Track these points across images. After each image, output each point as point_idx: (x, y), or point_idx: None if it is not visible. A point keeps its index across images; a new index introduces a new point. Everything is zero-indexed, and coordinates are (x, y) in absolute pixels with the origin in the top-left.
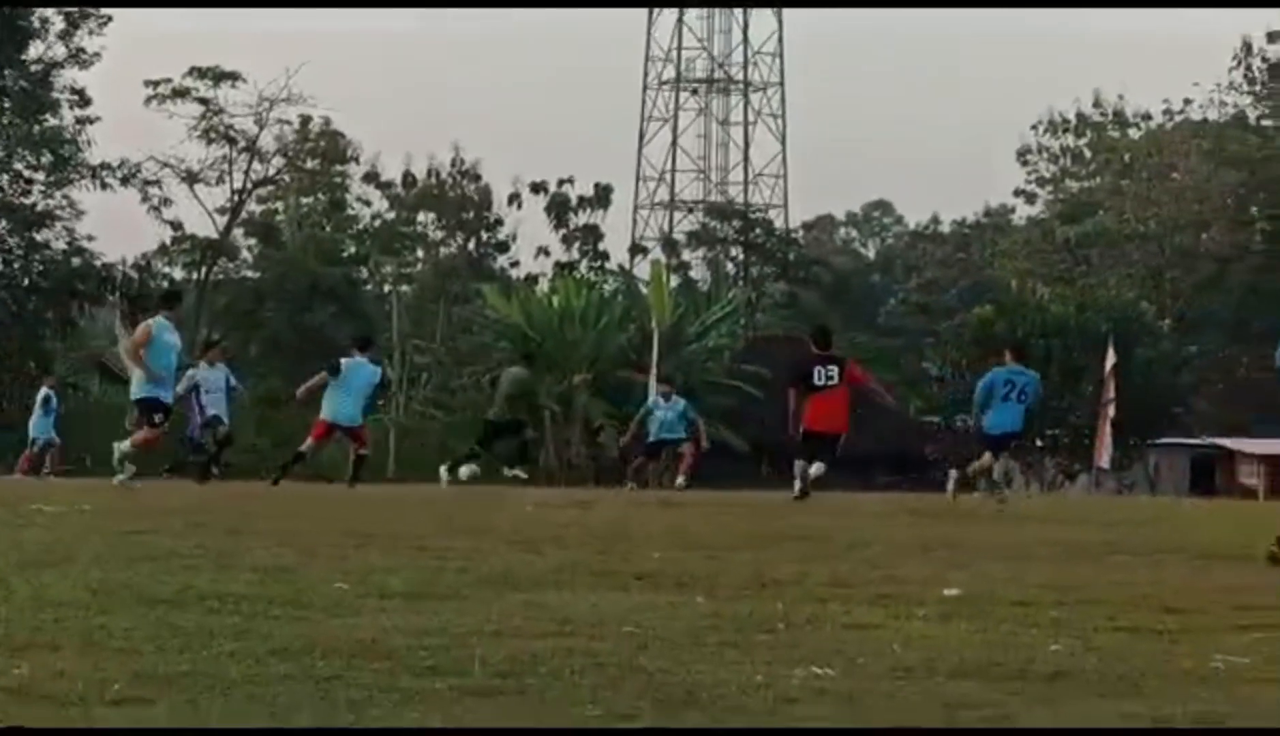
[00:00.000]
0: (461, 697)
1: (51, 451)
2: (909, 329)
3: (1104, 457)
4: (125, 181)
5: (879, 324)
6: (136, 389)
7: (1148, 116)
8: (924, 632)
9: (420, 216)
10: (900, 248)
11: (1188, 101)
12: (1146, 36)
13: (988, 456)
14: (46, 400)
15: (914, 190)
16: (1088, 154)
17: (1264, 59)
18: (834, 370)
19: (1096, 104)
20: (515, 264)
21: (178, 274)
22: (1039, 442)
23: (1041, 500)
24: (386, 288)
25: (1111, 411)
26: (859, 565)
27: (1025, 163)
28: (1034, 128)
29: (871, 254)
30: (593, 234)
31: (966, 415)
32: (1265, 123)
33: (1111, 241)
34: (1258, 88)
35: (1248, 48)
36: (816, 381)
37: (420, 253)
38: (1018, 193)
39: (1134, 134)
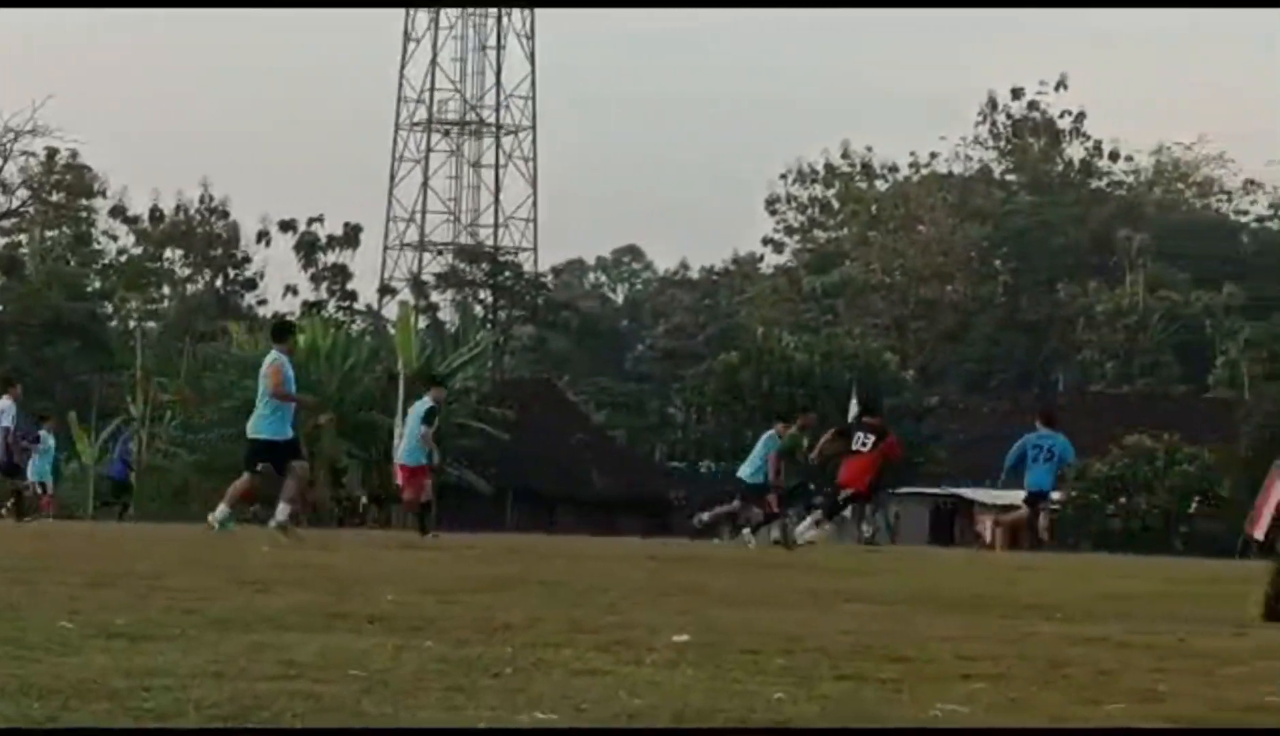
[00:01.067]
0: None
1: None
2: (656, 374)
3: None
4: None
5: (626, 368)
6: None
7: (894, 168)
8: (652, 678)
9: (167, 252)
10: (649, 293)
11: (934, 154)
12: (895, 89)
13: (1024, 510)
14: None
15: (664, 236)
16: (835, 204)
17: (1008, 114)
18: (871, 439)
19: (845, 155)
20: (263, 302)
21: None
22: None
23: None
24: (131, 323)
25: None
26: (593, 610)
27: (774, 212)
28: (783, 177)
29: (620, 299)
30: (341, 273)
31: (711, 461)
32: (1009, 177)
33: (857, 291)
34: (1002, 143)
35: (993, 103)
36: (854, 445)
37: (166, 289)
38: (766, 241)
39: (881, 185)
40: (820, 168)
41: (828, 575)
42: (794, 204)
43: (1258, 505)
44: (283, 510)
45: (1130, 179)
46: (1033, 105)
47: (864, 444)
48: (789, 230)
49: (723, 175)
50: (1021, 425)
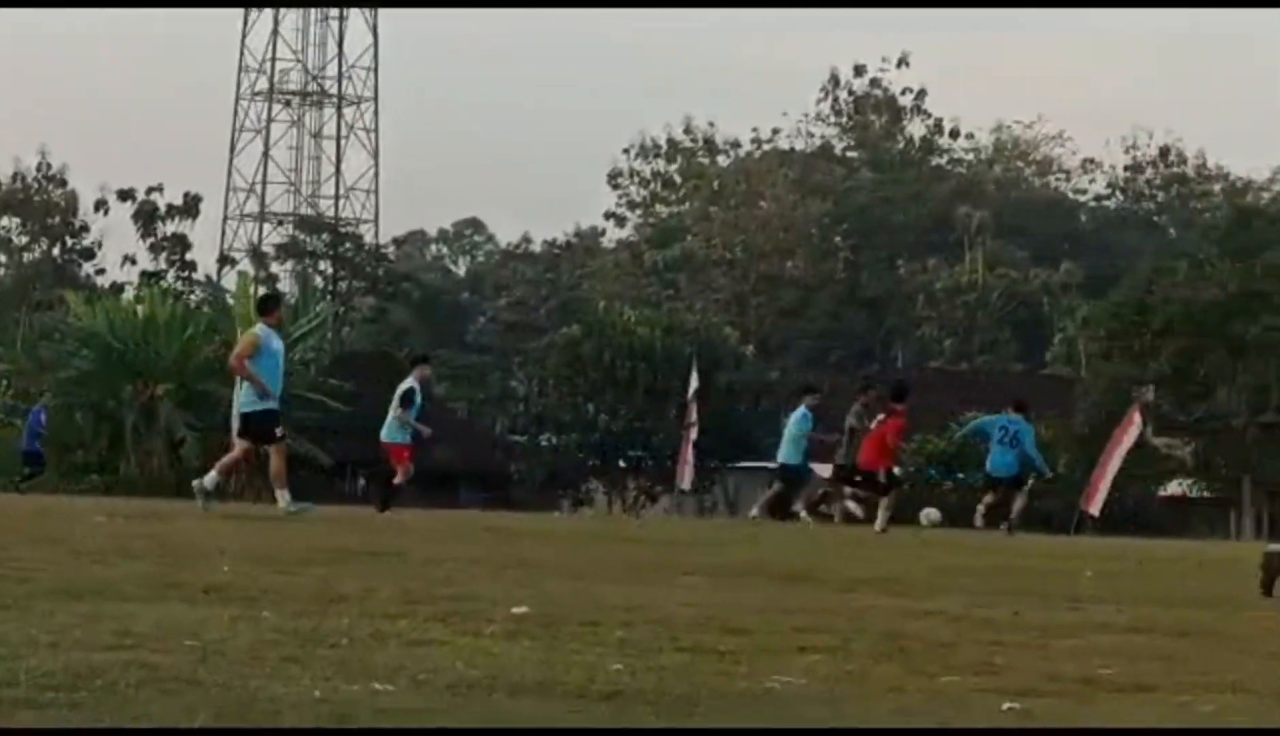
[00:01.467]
0: (12, 710)
1: None
2: (497, 347)
3: (686, 479)
4: None
5: (468, 341)
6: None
7: (737, 144)
8: (489, 650)
9: (4, 220)
10: (491, 266)
11: (776, 131)
12: (737, 64)
13: (991, 495)
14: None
15: (506, 209)
16: (678, 179)
17: (850, 91)
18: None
19: (687, 130)
20: (101, 271)
21: None
22: (622, 463)
23: (626, 521)
24: None
25: (694, 434)
26: (431, 582)
27: (616, 186)
28: (625, 152)
29: (462, 271)
30: (180, 244)
31: (552, 434)
32: (850, 154)
33: (698, 266)
34: (844, 120)
35: (835, 80)
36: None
37: (3, 257)
38: (608, 215)
39: (723, 161)
40: (663, 143)
41: (668, 548)
42: (636, 179)
43: (1093, 481)
44: (212, 477)
45: (970, 157)
46: (874, 82)
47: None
48: (631, 205)
49: (565, 149)
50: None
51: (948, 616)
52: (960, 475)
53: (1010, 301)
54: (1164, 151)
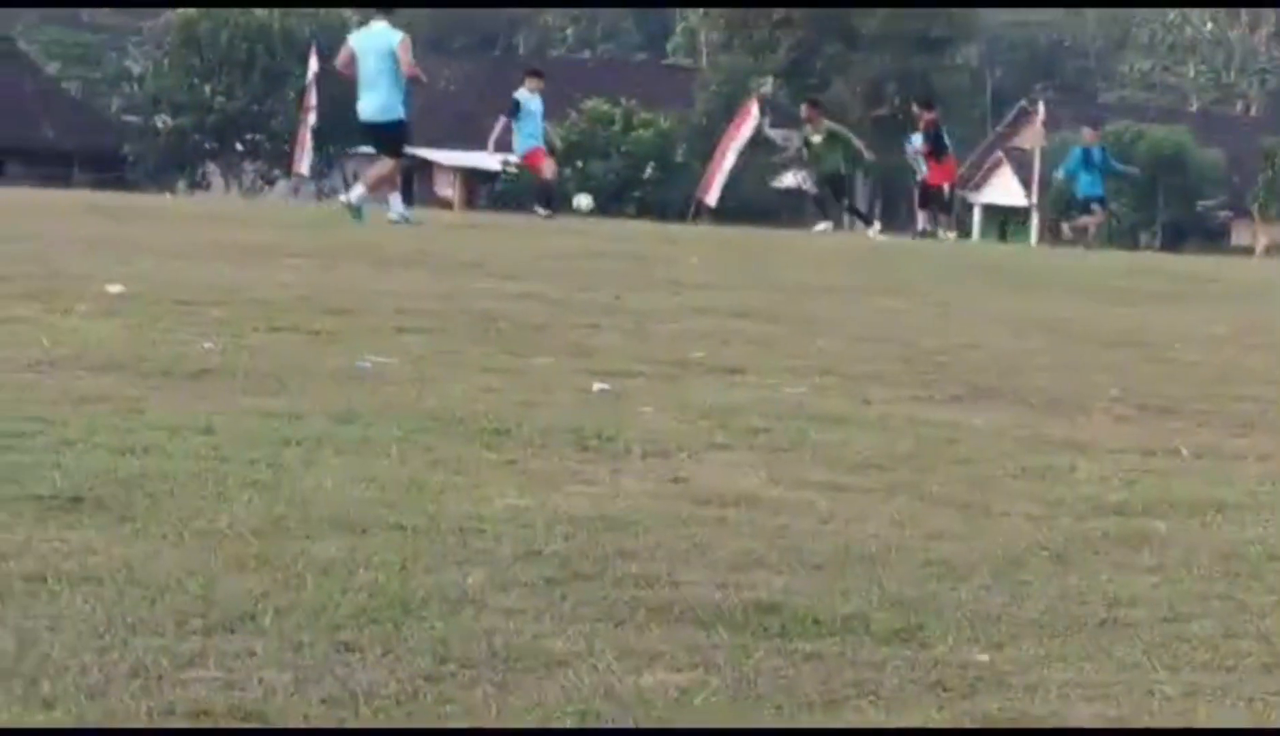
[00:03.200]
0: None
1: None
2: (112, 26)
3: (304, 164)
4: None
5: (83, 19)
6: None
7: None
8: (78, 327)
9: None
10: None
11: None
12: None
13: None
14: None
15: None
16: None
17: None
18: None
19: None
20: None
21: None
22: (239, 147)
23: (238, 204)
24: None
25: (312, 118)
26: (20, 259)
27: None
28: None
29: None
30: None
31: (167, 116)
32: None
33: None
34: None
35: None
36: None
37: None
38: None
39: None
40: None
41: (273, 229)
42: None
43: (709, 171)
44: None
45: None
46: None
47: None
48: None
49: None
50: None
51: (547, 300)
52: (580, 163)
53: None
54: None
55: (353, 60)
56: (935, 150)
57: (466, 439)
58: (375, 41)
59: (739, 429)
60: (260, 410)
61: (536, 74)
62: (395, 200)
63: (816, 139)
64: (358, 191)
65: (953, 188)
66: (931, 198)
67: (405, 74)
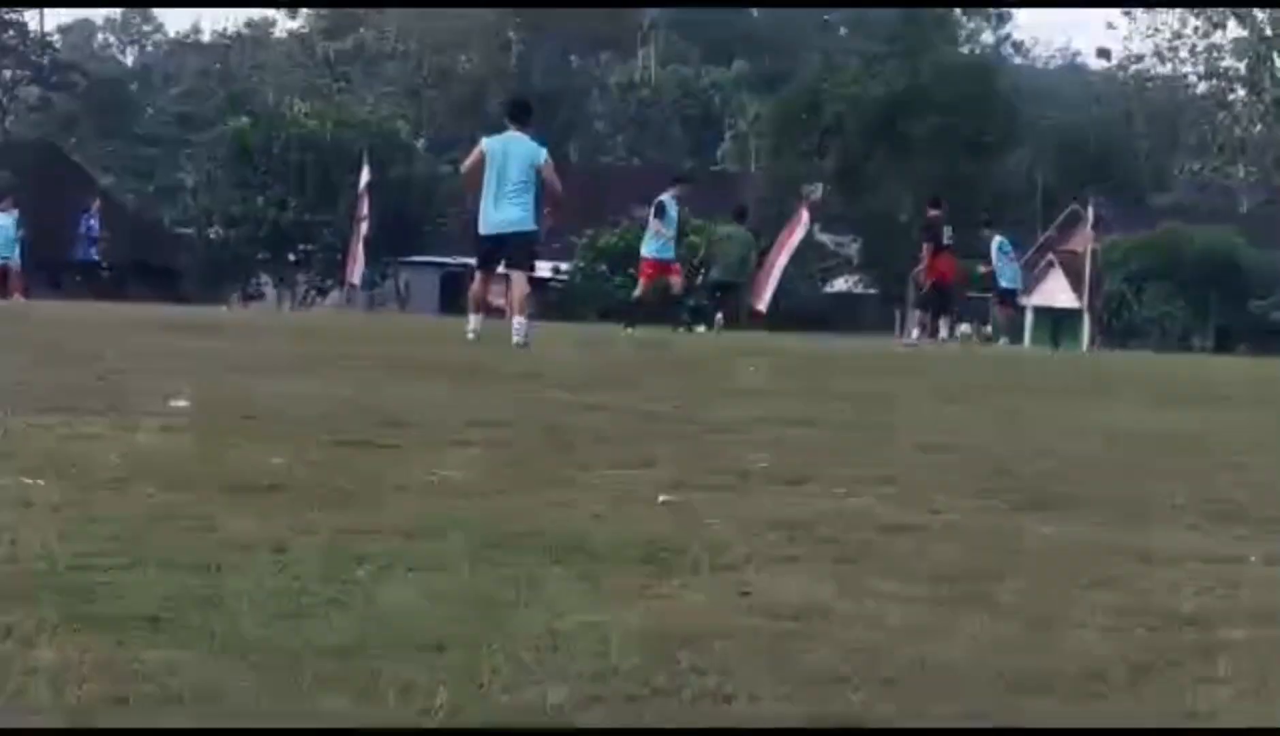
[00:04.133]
0: None
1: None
2: (166, 138)
3: (356, 274)
4: None
5: (137, 133)
6: None
7: None
8: (146, 443)
9: None
10: (160, 57)
11: None
12: None
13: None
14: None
15: None
16: None
17: None
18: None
19: None
20: None
21: None
22: (291, 257)
23: (297, 315)
24: None
25: (364, 229)
26: (88, 376)
27: None
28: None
29: (130, 61)
30: None
31: (220, 228)
32: None
33: (371, 59)
34: None
35: None
36: (945, 240)
37: None
38: (280, 5)
39: None
40: None
41: (341, 341)
42: None
43: (760, 278)
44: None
45: None
46: None
47: (951, 238)
48: None
49: None
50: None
51: (611, 410)
52: (631, 270)
53: (682, 98)
54: None
55: (483, 163)
56: (935, 247)
57: (537, 553)
58: (520, 148)
59: (806, 539)
60: (331, 526)
61: (682, 180)
62: (519, 322)
63: None
64: (520, 323)
65: (949, 284)
66: (928, 298)
67: (550, 193)
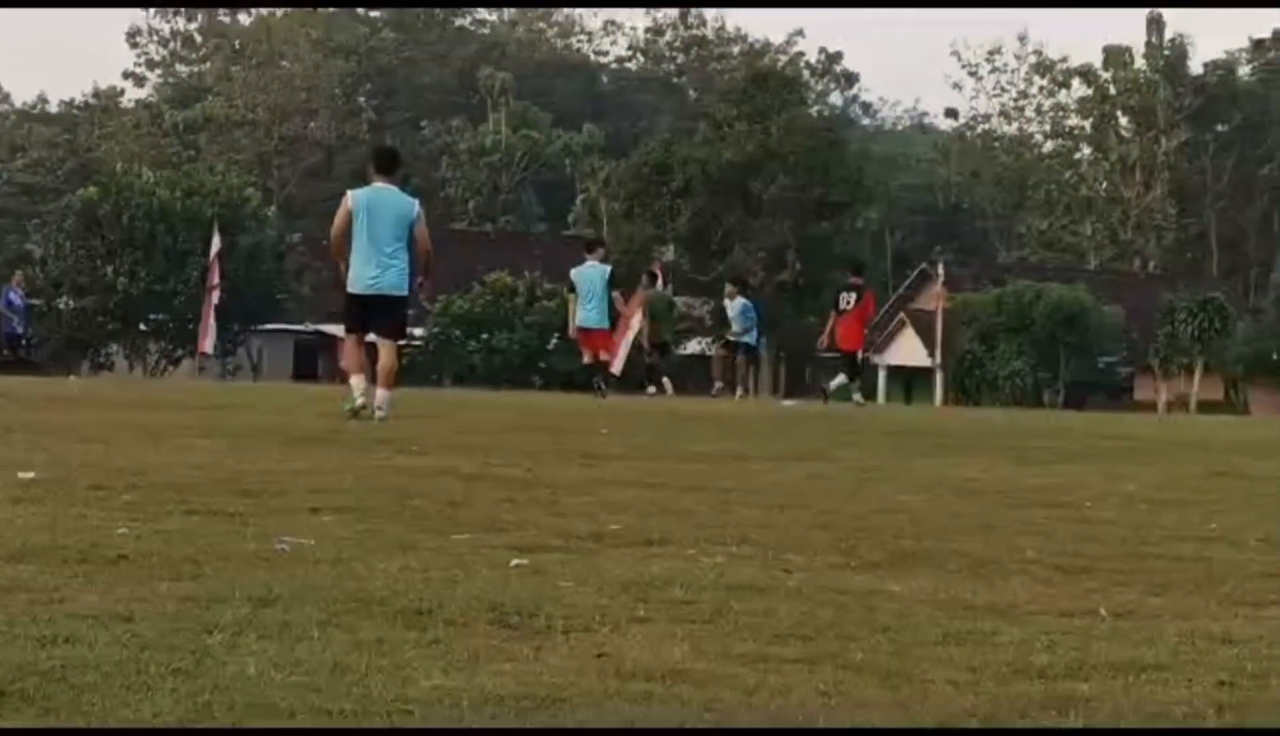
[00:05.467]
0: None
1: None
2: (13, 210)
3: (208, 343)
4: None
5: None
6: None
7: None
8: None
9: None
10: (7, 127)
11: None
12: None
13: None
14: None
15: (21, 69)
16: (198, 38)
17: None
18: (853, 297)
19: None
20: None
21: None
22: (143, 327)
23: (147, 384)
24: None
25: (216, 297)
26: None
27: (135, 45)
28: (144, 6)
29: None
30: None
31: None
32: (373, 14)
33: (220, 127)
34: None
35: None
36: (840, 305)
37: None
38: (127, 75)
39: (244, 20)
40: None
41: (182, 411)
42: (156, 37)
43: (614, 340)
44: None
45: (493, 18)
46: None
47: (848, 303)
48: (151, 64)
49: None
50: None
51: (461, 474)
52: (485, 336)
53: (533, 162)
54: (684, 13)
55: (350, 220)
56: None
57: (388, 619)
58: (392, 202)
59: (660, 601)
60: (180, 595)
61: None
62: (383, 395)
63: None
64: (383, 396)
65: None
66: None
67: (423, 255)
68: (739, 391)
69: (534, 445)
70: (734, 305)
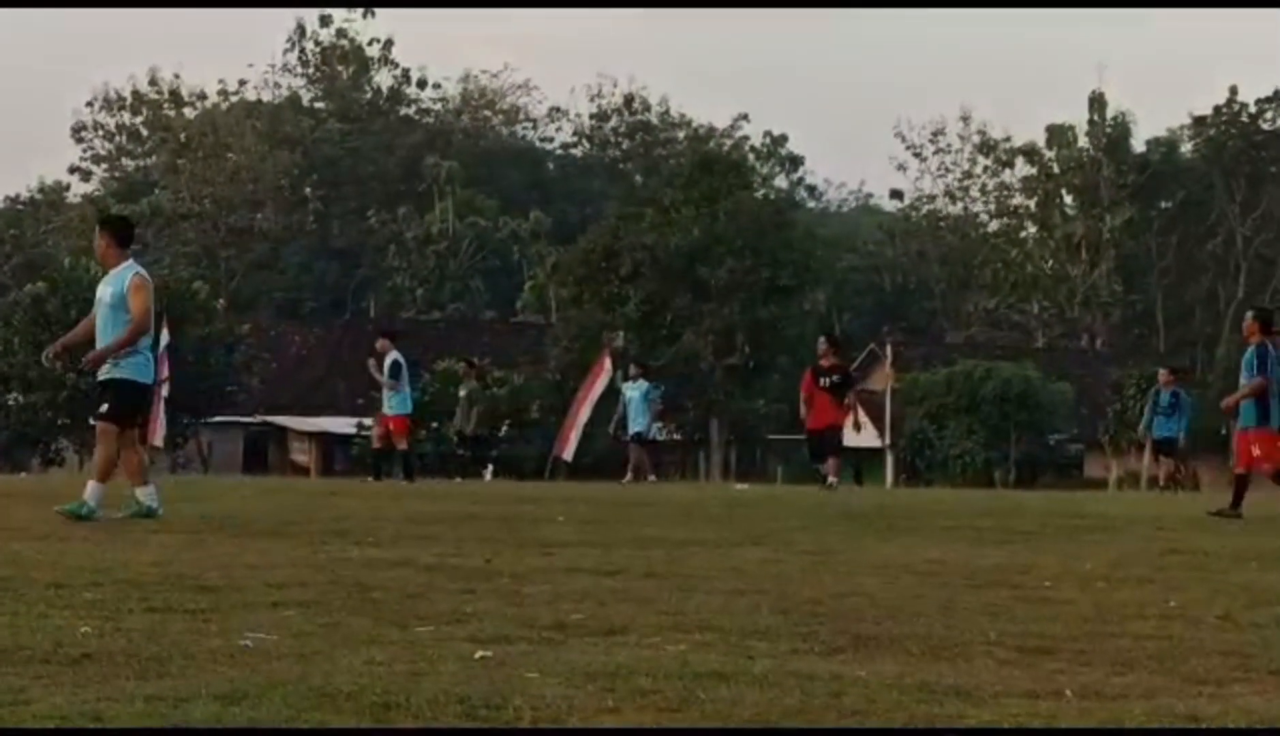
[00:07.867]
0: None
1: None
2: None
3: (158, 436)
4: None
5: None
6: None
7: (203, 96)
8: None
9: None
10: None
11: (243, 82)
12: (201, 16)
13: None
14: None
15: None
16: (144, 132)
17: (317, 42)
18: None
19: (153, 82)
20: None
21: None
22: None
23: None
24: None
25: (165, 390)
26: None
27: (81, 140)
28: (89, 104)
29: None
30: None
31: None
32: (318, 105)
33: (166, 220)
34: (311, 70)
35: (301, 30)
36: (821, 383)
37: None
38: (73, 169)
39: (190, 113)
40: (128, 95)
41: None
42: (101, 132)
43: (566, 426)
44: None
45: (438, 107)
46: (341, 33)
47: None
48: (96, 159)
49: (24, 101)
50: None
51: (419, 566)
52: (434, 425)
53: (481, 250)
54: (629, 99)
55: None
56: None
57: (356, 714)
58: (110, 283)
59: (626, 690)
60: (145, 695)
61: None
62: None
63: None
64: (93, 492)
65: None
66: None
67: (133, 324)
68: (628, 476)
69: (491, 533)
70: (637, 387)
